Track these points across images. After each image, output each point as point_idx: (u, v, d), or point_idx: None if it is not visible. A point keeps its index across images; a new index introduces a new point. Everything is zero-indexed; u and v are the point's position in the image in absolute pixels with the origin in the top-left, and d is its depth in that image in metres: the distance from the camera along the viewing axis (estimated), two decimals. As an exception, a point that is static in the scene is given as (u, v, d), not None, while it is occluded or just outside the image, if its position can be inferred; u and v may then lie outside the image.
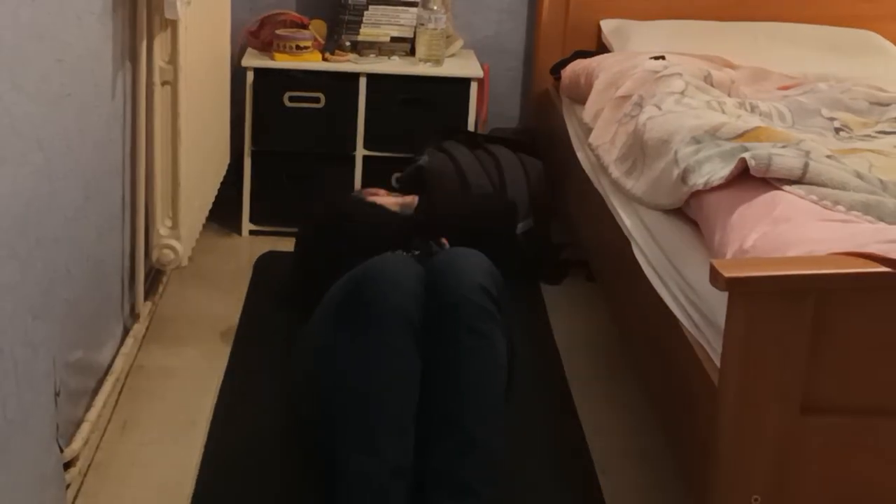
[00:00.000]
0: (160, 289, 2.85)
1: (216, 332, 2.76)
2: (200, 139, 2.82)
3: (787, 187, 1.93)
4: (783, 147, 2.07)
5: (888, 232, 1.73)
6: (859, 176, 2.00)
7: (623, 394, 2.56)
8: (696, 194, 2.09)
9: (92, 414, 2.15)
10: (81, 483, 2.09)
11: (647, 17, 3.54)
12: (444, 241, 2.54)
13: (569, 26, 3.60)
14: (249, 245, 3.38)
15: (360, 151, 3.42)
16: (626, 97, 2.76)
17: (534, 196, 3.23)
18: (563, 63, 3.44)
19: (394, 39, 3.49)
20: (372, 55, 3.47)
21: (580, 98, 3.13)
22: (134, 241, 2.52)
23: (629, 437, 2.40)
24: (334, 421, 1.96)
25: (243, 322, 2.81)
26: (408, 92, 3.38)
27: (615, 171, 2.56)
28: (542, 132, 3.61)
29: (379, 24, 3.46)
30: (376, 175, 3.34)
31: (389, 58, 3.48)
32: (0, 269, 1.60)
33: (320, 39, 3.44)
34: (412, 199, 2.82)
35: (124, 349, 2.45)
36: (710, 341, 1.81)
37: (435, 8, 3.36)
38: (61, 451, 1.95)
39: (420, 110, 3.38)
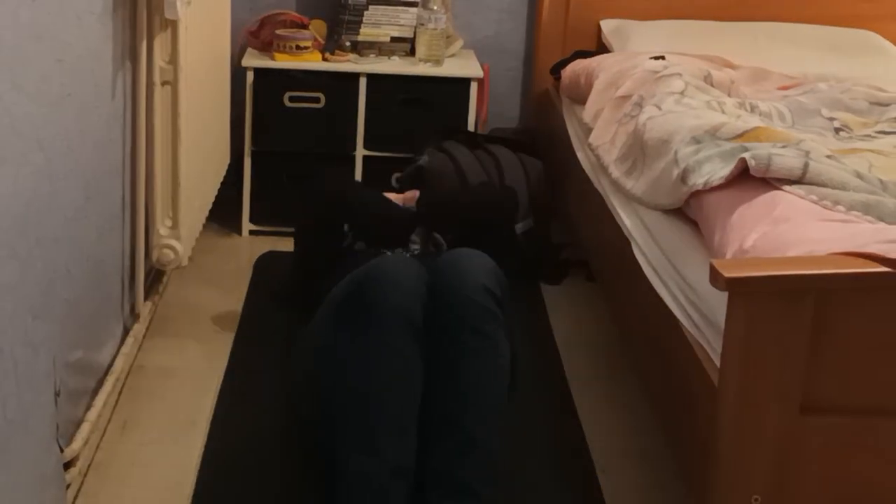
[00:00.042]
0: (160, 289, 2.85)
1: (216, 332, 2.76)
2: (200, 139, 2.82)
3: (786, 187, 1.93)
4: (783, 147, 2.07)
5: (888, 232, 1.73)
6: (859, 176, 2.00)
7: (623, 394, 2.56)
8: (696, 194, 2.09)
9: (92, 414, 2.15)
10: (81, 483, 2.09)
11: (647, 17, 3.54)
12: (442, 240, 2.55)
13: (569, 26, 3.61)
14: (249, 245, 3.38)
15: (360, 151, 3.42)
16: (626, 97, 2.76)
17: (534, 196, 3.24)
18: (563, 63, 3.44)
19: (394, 39, 3.49)
20: (372, 55, 3.47)
21: (580, 98, 3.13)
22: (134, 241, 2.52)
23: (629, 437, 2.40)
24: (334, 421, 1.96)
25: (243, 322, 2.81)
26: (408, 92, 3.38)
27: (615, 171, 2.56)
28: (542, 132, 3.61)
29: (379, 24, 3.47)
30: (376, 175, 3.34)
31: (389, 58, 3.48)
32: (0, 269, 1.60)
33: (320, 39, 3.44)
34: (412, 195, 2.83)
35: (124, 349, 2.45)
36: (710, 341, 1.81)
37: (435, 8, 3.36)
38: (61, 450, 1.95)
39: (420, 110, 3.38)
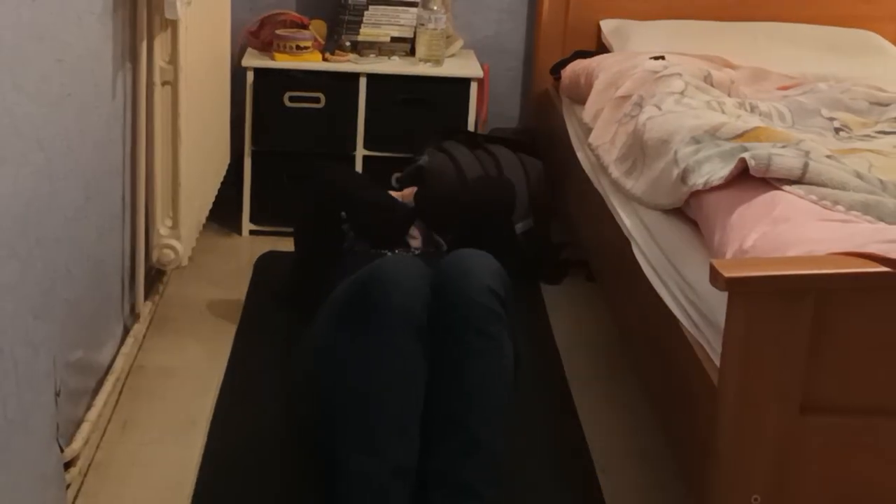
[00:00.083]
0: (160, 289, 2.86)
1: (216, 332, 2.76)
2: (201, 139, 2.83)
3: (786, 187, 1.93)
4: (783, 147, 2.07)
5: (888, 232, 1.74)
6: (859, 176, 2.00)
7: (623, 394, 2.56)
8: (696, 194, 2.10)
9: (92, 414, 2.15)
10: (82, 483, 2.09)
11: (647, 17, 3.54)
12: (442, 241, 2.55)
13: (569, 26, 3.61)
14: (249, 245, 3.38)
15: (360, 151, 3.42)
16: (625, 97, 2.76)
17: (534, 196, 3.24)
18: (563, 63, 3.44)
19: (394, 39, 3.49)
20: (372, 55, 3.47)
21: (580, 98, 3.13)
22: (134, 241, 2.52)
23: (629, 437, 2.40)
24: (334, 421, 1.96)
25: (243, 322, 2.81)
26: (408, 92, 3.38)
27: (615, 171, 2.57)
28: (542, 132, 3.61)
29: (379, 24, 3.47)
30: (376, 175, 3.34)
31: (389, 58, 3.48)
32: (0, 269, 1.60)
33: (320, 39, 3.45)
34: (410, 191, 2.84)
35: (124, 349, 2.45)
36: (709, 341, 1.82)
37: (435, 8, 3.36)
38: (62, 450, 1.95)
39: (420, 110, 3.38)
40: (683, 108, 2.49)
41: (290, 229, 2.90)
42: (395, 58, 3.48)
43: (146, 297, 2.65)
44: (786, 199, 1.89)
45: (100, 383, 2.28)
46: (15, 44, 1.63)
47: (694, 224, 2.15)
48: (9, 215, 1.63)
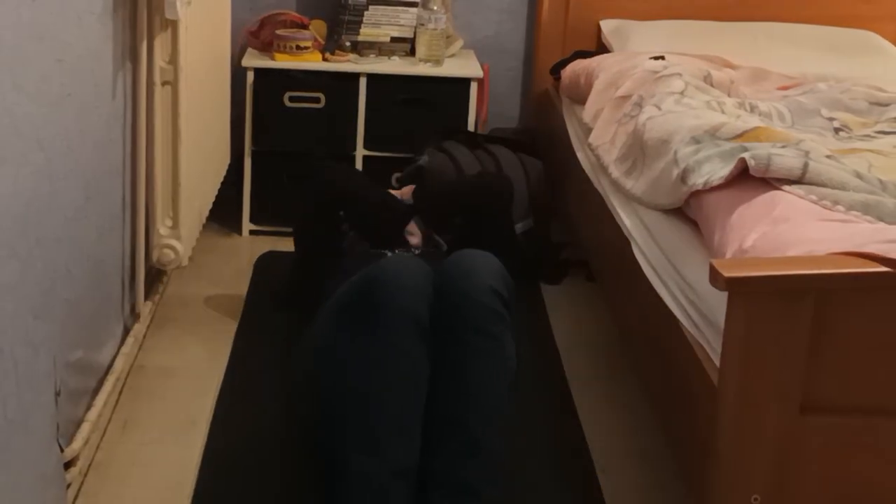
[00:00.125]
0: (160, 289, 2.85)
1: (216, 332, 2.76)
2: (201, 139, 2.83)
3: (786, 187, 1.93)
4: (783, 147, 2.07)
5: (887, 232, 1.74)
6: (859, 176, 2.00)
7: (623, 394, 2.56)
8: (696, 194, 2.10)
9: (92, 414, 2.15)
10: (82, 483, 2.09)
11: (647, 17, 3.55)
12: (441, 241, 2.55)
13: (569, 26, 3.61)
14: (249, 245, 3.38)
15: (360, 151, 3.42)
16: (625, 97, 2.76)
17: (534, 196, 3.24)
18: (563, 63, 3.44)
19: (394, 39, 3.49)
20: (372, 55, 3.47)
21: (580, 98, 3.13)
22: (134, 241, 2.52)
23: (629, 437, 2.40)
24: (334, 421, 1.96)
25: (243, 322, 2.81)
26: (408, 92, 3.38)
27: (615, 171, 2.57)
28: (542, 132, 3.61)
29: (379, 25, 3.47)
30: (376, 175, 3.33)
31: (389, 58, 3.48)
32: (0, 269, 1.60)
33: (320, 39, 3.45)
34: (408, 189, 2.83)
35: (125, 349, 2.45)
36: (709, 341, 1.82)
37: (435, 8, 3.36)
38: (62, 450, 1.95)
39: (420, 110, 3.38)
40: (683, 108, 2.49)
41: (290, 229, 2.90)
42: (395, 58, 3.48)
43: (146, 297, 2.65)
44: (786, 199, 1.89)
45: (100, 383, 2.28)
46: (15, 44, 1.63)
47: (694, 224, 2.15)
48: (9, 215, 1.63)
